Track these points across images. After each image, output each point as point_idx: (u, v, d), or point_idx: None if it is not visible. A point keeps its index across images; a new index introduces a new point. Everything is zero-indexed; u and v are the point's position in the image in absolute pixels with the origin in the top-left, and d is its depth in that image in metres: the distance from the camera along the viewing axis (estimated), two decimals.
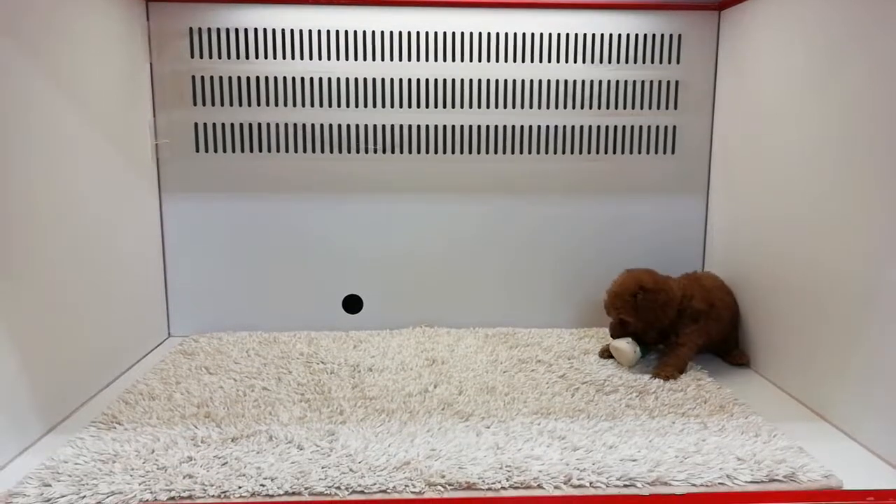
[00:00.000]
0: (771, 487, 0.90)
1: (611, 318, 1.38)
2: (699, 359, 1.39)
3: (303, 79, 1.51)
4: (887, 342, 0.99)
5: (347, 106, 1.53)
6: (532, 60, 1.53)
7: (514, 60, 1.53)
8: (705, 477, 0.91)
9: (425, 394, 1.20)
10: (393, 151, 1.55)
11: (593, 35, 1.52)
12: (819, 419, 1.14)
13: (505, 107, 1.54)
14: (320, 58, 1.50)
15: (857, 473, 0.94)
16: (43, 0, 1.07)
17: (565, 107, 1.55)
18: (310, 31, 1.49)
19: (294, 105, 1.52)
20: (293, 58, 1.50)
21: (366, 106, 1.53)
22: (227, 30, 1.48)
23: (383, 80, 1.52)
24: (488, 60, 1.53)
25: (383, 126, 1.54)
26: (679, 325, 1.33)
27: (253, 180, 1.54)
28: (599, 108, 1.56)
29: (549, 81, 1.54)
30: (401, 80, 1.52)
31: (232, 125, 1.52)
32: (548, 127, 1.56)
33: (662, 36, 1.53)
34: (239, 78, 1.50)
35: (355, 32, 1.50)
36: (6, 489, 0.87)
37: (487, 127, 1.55)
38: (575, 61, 1.53)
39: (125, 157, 1.37)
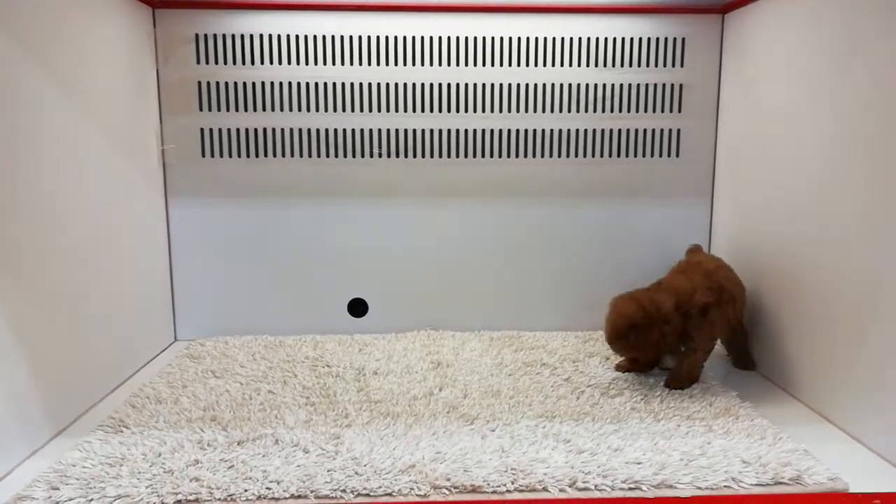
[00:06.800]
0: (776, 490, 0.90)
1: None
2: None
3: (308, 84, 1.52)
4: (894, 344, 0.99)
5: (353, 111, 1.53)
6: (537, 64, 1.53)
7: (519, 64, 1.53)
8: (710, 480, 0.90)
9: (430, 397, 1.20)
10: (398, 156, 1.56)
11: (597, 39, 1.53)
12: (825, 422, 1.14)
13: (510, 111, 1.55)
14: (325, 63, 1.51)
15: (863, 476, 0.94)
16: (52, 10, 1.09)
17: (570, 110, 1.55)
18: (314, 37, 1.50)
19: (299, 110, 1.53)
20: (298, 63, 1.51)
21: (371, 111, 1.53)
22: (233, 36, 1.49)
23: (388, 84, 1.53)
24: (492, 65, 1.53)
25: (388, 130, 1.54)
26: (689, 327, 1.23)
27: (259, 185, 1.55)
28: (604, 111, 1.56)
29: (553, 85, 1.54)
30: (405, 85, 1.53)
31: (238, 130, 1.53)
32: (552, 130, 1.56)
33: (666, 39, 1.54)
34: (245, 83, 1.51)
35: (360, 38, 1.51)
36: (15, 492, 0.88)
37: (492, 131, 1.56)
38: (579, 65, 1.54)
39: (132, 163, 1.38)
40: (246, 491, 0.88)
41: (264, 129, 1.53)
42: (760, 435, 1.04)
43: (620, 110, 1.56)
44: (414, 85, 1.53)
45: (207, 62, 1.50)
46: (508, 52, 1.53)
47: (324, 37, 1.50)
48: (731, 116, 1.51)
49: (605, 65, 1.54)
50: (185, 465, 0.94)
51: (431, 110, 1.54)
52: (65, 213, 1.12)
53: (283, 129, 1.53)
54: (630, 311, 1.22)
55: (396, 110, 1.54)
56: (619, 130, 1.57)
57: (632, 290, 1.29)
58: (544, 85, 1.54)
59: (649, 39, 1.54)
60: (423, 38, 1.51)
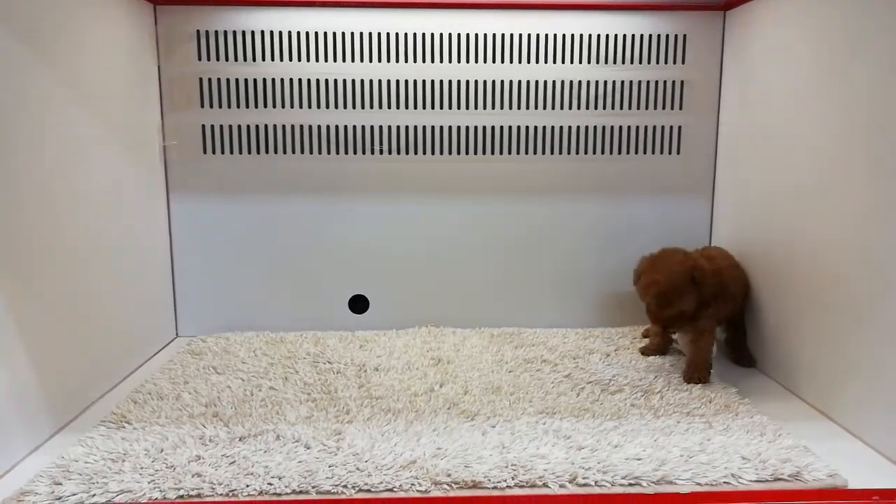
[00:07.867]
0: (776, 486, 0.90)
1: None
2: None
3: (309, 80, 1.52)
4: (893, 341, 0.99)
5: (353, 107, 1.53)
6: (538, 61, 1.53)
7: (521, 61, 1.53)
8: (710, 476, 0.91)
9: (431, 393, 1.20)
10: (399, 153, 1.56)
11: (598, 36, 1.53)
12: (824, 418, 1.14)
13: (511, 108, 1.55)
14: (326, 59, 1.51)
15: (862, 473, 0.94)
16: (54, 7, 1.09)
17: (571, 107, 1.55)
18: (315, 34, 1.50)
19: (300, 107, 1.53)
20: (299, 60, 1.51)
21: (371, 107, 1.54)
22: (234, 32, 1.49)
23: (390, 81, 1.53)
24: (494, 62, 1.53)
25: (389, 127, 1.55)
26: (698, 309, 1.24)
27: (260, 181, 1.55)
28: (605, 108, 1.56)
29: (555, 82, 1.54)
30: (407, 82, 1.53)
31: (239, 127, 1.53)
32: (553, 127, 1.56)
33: (668, 36, 1.54)
34: (246, 80, 1.51)
35: (361, 34, 1.51)
36: (18, 487, 0.89)
37: (493, 128, 1.56)
38: (581, 62, 1.54)
39: (134, 159, 1.38)
40: (248, 486, 0.88)
41: (265, 126, 1.53)
42: (760, 431, 1.04)
43: (622, 107, 1.56)
44: (416, 82, 1.53)
45: (209, 59, 1.50)
46: (511, 50, 1.53)
47: (325, 33, 1.50)
48: (732, 113, 1.51)
49: (606, 62, 1.54)
50: (186, 460, 0.95)
51: (433, 107, 1.54)
52: (66, 209, 1.12)
53: (284, 126, 1.53)
54: (685, 259, 1.26)
55: (398, 107, 1.54)
56: (621, 127, 1.57)
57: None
58: (546, 82, 1.54)
59: (651, 36, 1.53)
60: (424, 35, 1.51)
